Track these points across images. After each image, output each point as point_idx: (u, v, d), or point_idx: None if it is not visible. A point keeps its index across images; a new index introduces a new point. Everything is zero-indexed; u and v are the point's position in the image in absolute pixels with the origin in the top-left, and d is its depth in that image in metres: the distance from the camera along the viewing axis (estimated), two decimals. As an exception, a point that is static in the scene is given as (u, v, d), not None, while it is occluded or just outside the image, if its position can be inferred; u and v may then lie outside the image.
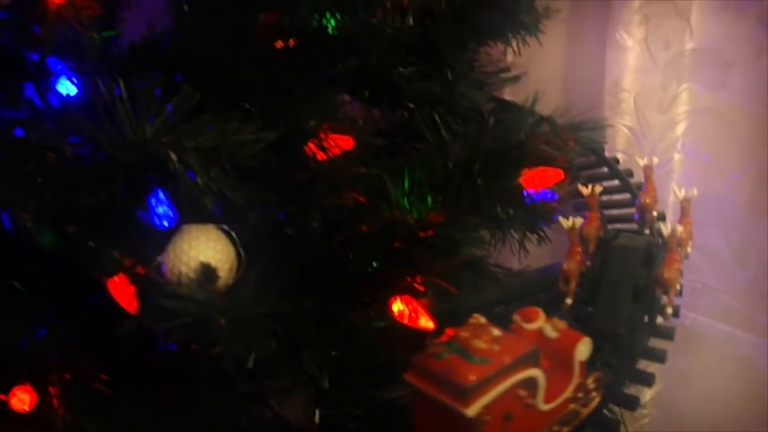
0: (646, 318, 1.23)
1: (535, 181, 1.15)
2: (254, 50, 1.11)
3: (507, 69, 1.31)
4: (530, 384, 0.94)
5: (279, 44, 1.16)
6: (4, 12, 0.92)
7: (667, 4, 1.78)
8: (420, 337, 1.05)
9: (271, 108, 1.04)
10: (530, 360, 0.94)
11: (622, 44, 1.82)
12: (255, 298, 0.92)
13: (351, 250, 1.06)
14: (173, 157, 0.90)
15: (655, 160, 1.45)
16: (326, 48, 1.17)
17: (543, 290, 1.31)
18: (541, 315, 1.02)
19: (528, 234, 1.22)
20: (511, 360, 0.91)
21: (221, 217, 0.97)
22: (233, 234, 0.97)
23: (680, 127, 1.88)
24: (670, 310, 1.23)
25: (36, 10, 0.89)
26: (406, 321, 1.05)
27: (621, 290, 1.20)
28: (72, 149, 0.98)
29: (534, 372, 0.94)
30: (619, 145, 1.87)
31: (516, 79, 1.32)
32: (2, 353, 1.04)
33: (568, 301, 1.23)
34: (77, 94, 1.05)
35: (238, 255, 0.96)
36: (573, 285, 1.23)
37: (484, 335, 0.92)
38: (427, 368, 0.91)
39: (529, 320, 1.02)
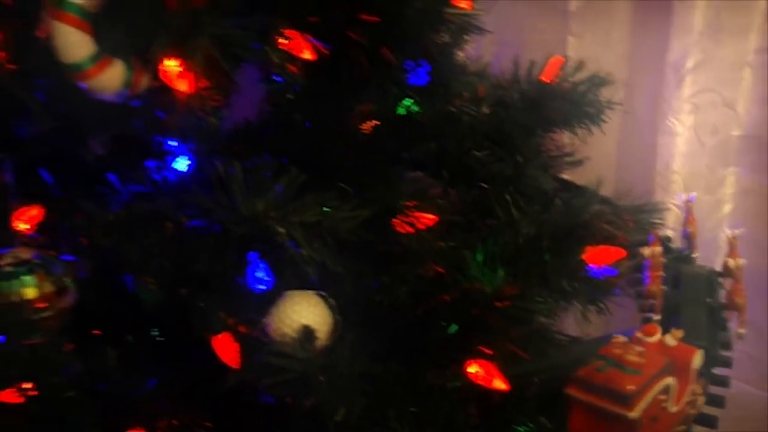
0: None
1: (597, 257, 1.21)
2: (349, 136, 1.19)
3: (570, 153, 1.37)
4: (667, 390, 1.06)
5: (367, 129, 1.23)
6: (137, 101, 0.99)
7: (714, 95, 1.84)
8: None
9: (364, 188, 1.11)
10: (667, 370, 1.07)
11: (672, 130, 1.88)
12: (350, 358, 0.98)
13: (433, 317, 1.11)
14: (281, 230, 0.97)
15: (695, 194, 1.51)
16: (410, 133, 1.24)
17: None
18: (659, 330, 1.14)
19: (589, 306, 1.27)
20: (656, 370, 1.05)
21: (320, 284, 1.03)
22: (330, 300, 1.03)
23: (726, 207, 1.92)
24: (743, 331, 1.33)
25: (166, 99, 0.97)
26: (481, 382, 1.10)
27: (699, 310, 1.32)
28: (188, 220, 1.05)
29: (670, 380, 1.06)
30: (670, 222, 1.91)
31: (579, 163, 1.38)
32: (118, 400, 1.10)
33: (656, 317, 1.31)
34: (191, 170, 1.12)
35: (335, 319, 1.02)
36: (659, 302, 1.31)
37: (631, 351, 1.05)
38: (589, 381, 1.04)
39: (650, 335, 1.13)
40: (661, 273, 1.31)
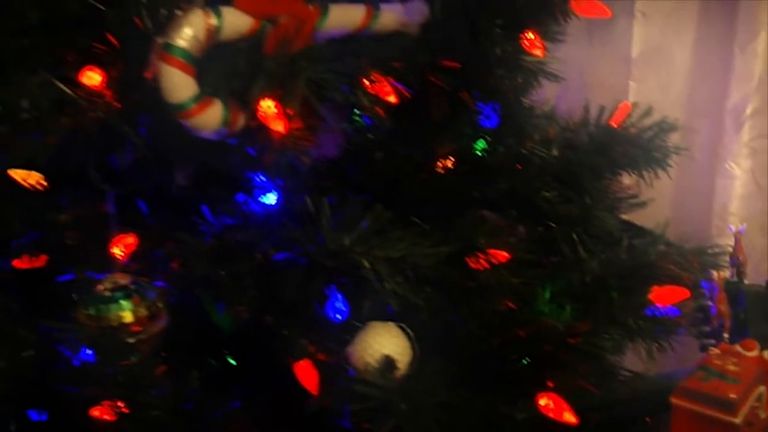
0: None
1: (663, 297, 1.22)
2: (426, 174, 1.21)
3: (636, 195, 1.39)
4: (760, 397, 1.17)
5: (442, 168, 1.26)
6: (234, 139, 1.03)
7: (773, 140, 1.85)
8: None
9: (439, 224, 1.13)
10: (760, 379, 1.19)
11: (730, 174, 1.88)
12: (428, 387, 1.00)
13: (507, 350, 1.13)
14: (366, 264, 1.00)
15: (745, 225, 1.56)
16: (482, 172, 1.26)
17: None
18: (757, 345, 1.23)
19: (653, 343, 1.28)
20: (751, 380, 1.16)
21: (400, 316, 1.05)
22: (410, 331, 1.05)
23: (783, 250, 1.92)
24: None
25: (261, 138, 1.00)
26: (551, 414, 1.12)
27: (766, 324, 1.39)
28: (276, 252, 1.08)
29: (762, 388, 1.18)
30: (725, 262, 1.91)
31: (642, 204, 1.39)
32: (202, 421, 1.13)
33: (726, 335, 1.37)
34: (279, 204, 1.16)
35: (414, 350, 1.05)
36: (727, 323, 1.38)
37: (729, 362, 1.17)
38: (694, 390, 1.17)
39: (749, 349, 1.23)
40: (725, 295, 1.34)
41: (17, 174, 1.17)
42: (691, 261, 1.26)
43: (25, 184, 1.18)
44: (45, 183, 1.19)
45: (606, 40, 1.87)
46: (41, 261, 1.25)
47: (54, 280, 1.26)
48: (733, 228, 1.52)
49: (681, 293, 1.22)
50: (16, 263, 1.24)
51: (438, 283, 1.06)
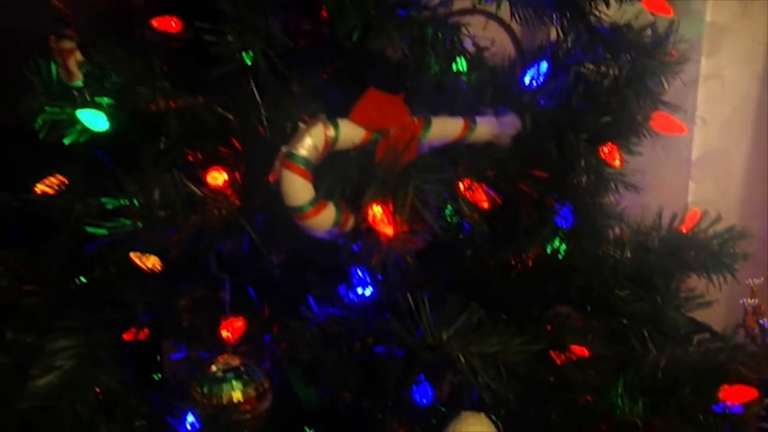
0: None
1: (732, 396, 1.22)
2: (509, 272, 1.24)
3: (701, 296, 1.40)
4: None
5: (523, 266, 1.28)
6: (342, 238, 1.07)
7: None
8: None
9: (527, 321, 1.16)
10: None
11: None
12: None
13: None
14: (462, 359, 1.02)
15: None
16: (560, 271, 1.29)
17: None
18: None
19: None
20: None
21: (489, 406, 1.07)
22: (498, 422, 1.07)
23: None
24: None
25: (369, 239, 1.04)
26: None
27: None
28: (375, 342, 1.11)
29: None
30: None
31: (708, 304, 1.40)
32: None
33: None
34: (377, 297, 1.19)
35: (502, 439, 1.06)
36: None
37: None
38: None
39: None
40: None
41: (137, 257, 1.21)
42: (759, 362, 1.26)
43: (143, 266, 1.22)
44: (161, 266, 1.22)
45: (668, 143, 1.88)
46: (145, 334, 1.29)
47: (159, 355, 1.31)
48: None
49: (749, 393, 1.22)
50: (125, 336, 1.28)
51: (525, 376, 1.07)
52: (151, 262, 1.22)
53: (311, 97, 1.05)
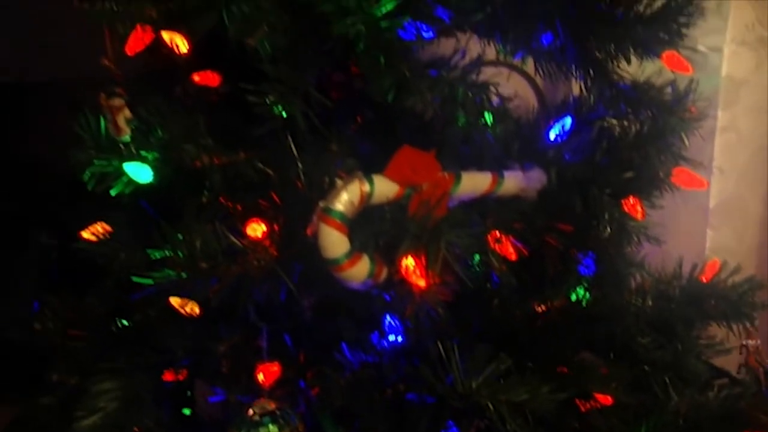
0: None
1: (753, 442, 1.22)
2: (533, 320, 1.25)
3: (721, 343, 1.40)
4: None
5: (547, 314, 1.29)
6: (376, 290, 1.08)
7: None
8: None
9: (552, 369, 1.16)
10: None
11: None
12: None
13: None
14: (491, 407, 1.03)
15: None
16: (582, 319, 1.29)
17: None
18: None
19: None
20: None
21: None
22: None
23: None
24: None
25: (402, 290, 1.05)
26: None
27: None
28: (406, 389, 1.12)
29: None
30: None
31: (728, 351, 1.40)
32: None
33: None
34: (407, 345, 1.20)
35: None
36: None
37: None
38: None
39: None
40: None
41: (176, 302, 1.23)
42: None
43: (182, 311, 1.24)
44: (199, 311, 1.24)
45: (686, 191, 1.89)
46: (184, 375, 1.31)
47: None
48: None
49: (770, 440, 1.21)
50: (165, 376, 1.29)
51: (551, 424, 1.08)
52: (190, 307, 1.24)
53: (348, 154, 1.06)
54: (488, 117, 1.24)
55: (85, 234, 1.31)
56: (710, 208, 1.92)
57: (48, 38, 2.12)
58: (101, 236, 1.29)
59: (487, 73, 1.11)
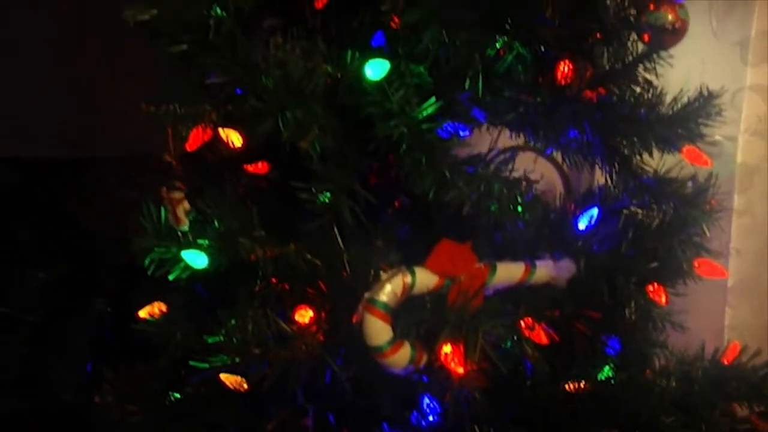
0: None
1: None
2: (563, 401, 1.24)
3: (745, 421, 1.38)
4: None
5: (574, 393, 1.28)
6: (416, 374, 1.09)
7: None
8: None
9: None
10: None
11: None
12: None
13: None
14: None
15: None
16: (609, 399, 1.28)
17: None
18: None
19: None
20: None
21: None
22: None
23: None
24: None
25: (441, 376, 1.06)
26: None
27: None
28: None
29: None
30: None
31: (753, 430, 1.38)
32: None
33: None
34: (442, 424, 1.20)
35: None
36: None
37: None
38: None
39: None
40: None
41: (227, 378, 1.24)
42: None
43: (232, 387, 1.25)
44: (248, 387, 1.25)
45: (705, 272, 1.89)
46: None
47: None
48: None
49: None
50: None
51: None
52: (237, 382, 1.25)
53: (391, 249, 1.08)
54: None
55: (143, 313, 1.32)
56: (728, 287, 1.90)
57: (104, 116, 2.17)
58: (158, 316, 1.30)
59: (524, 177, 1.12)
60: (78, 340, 2.31)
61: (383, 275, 1.05)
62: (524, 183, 1.17)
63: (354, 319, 1.05)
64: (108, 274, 2.22)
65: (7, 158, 2.13)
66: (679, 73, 1.68)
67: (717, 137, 1.50)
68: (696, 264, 1.23)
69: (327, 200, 1.05)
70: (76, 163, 2.23)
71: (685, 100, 1.24)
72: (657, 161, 1.32)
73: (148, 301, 1.33)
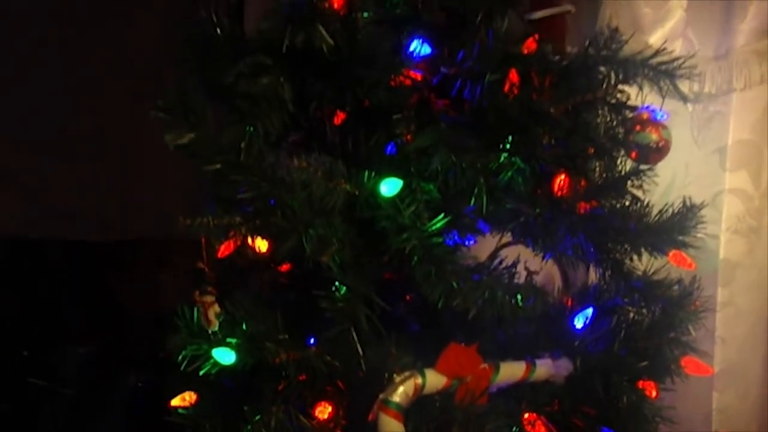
0: None
1: None
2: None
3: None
4: None
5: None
6: None
7: None
8: None
9: None
10: None
11: None
12: None
13: None
14: None
15: None
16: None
17: None
18: None
19: None
20: None
21: None
22: None
23: None
24: None
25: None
26: None
27: None
28: None
29: None
30: None
31: None
32: None
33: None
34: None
35: None
36: None
37: None
38: None
39: None
40: None
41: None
42: None
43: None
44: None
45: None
46: None
47: None
48: None
49: None
50: None
51: None
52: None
53: (404, 355, 1.09)
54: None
55: (175, 401, 1.33)
56: (715, 373, 1.90)
57: (144, 202, 2.21)
58: (189, 405, 1.31)
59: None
60: (111, 413, 2.30)
61: (396, 377, 1.06)
62: (525, 284, 1.18)
63: (370, 417, 1.05)
64: (142, 351, 2.23)
65: (53, 239, 2.16)
66: (667, 176, 1.73)
67: (700, 234, 1.52)
68: (683, 362, 1.23)
69: (345, 307, 1.06)
70: (117, 244, 2.26)
71: (669, 212, 1.26)
72: (646, 262, 1.34)
73: (180, 390, 1.33)
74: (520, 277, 1.24)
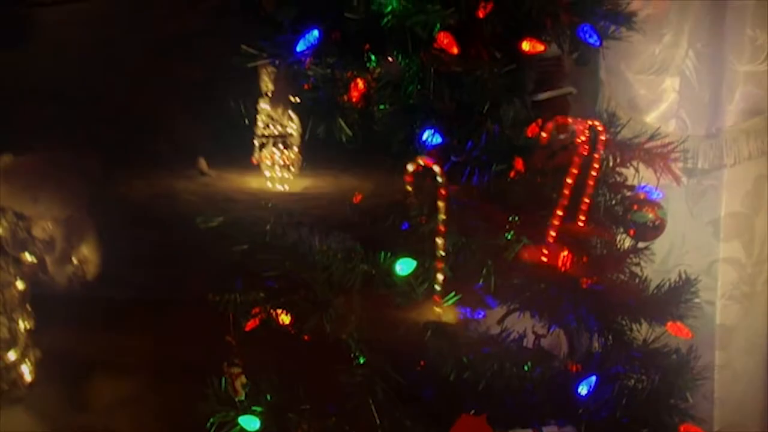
0: None
1: None
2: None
3: None
4: None
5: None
6: None
7: None
8: None
9: None
10: None
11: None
12: None
13: None
14: None
15: None
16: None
17: None
18: None
19: None
20: None
21: None
22: None
23: None
24: None
25: None
26: None
27: None
28: None
29: None
30: None
31: None
32: None
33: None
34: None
35: None
36: None
37: None
38: None
39: None
40: None
41: None
42: None
43: None
44: None
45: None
46: None
47: None
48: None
49: None
50: None
51: None
52: None
53: (418, 424, 1.10)
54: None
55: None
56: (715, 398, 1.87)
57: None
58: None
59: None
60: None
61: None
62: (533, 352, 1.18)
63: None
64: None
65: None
66: (665, 245, 1.74)
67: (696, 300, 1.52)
68: (682, 429, 1.23)
69: (363, 381, 1.07)
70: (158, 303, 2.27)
71: (666, 286, 1.27)
72: (645, 330, 1.34)
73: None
74: (528, 341, 1.25)
